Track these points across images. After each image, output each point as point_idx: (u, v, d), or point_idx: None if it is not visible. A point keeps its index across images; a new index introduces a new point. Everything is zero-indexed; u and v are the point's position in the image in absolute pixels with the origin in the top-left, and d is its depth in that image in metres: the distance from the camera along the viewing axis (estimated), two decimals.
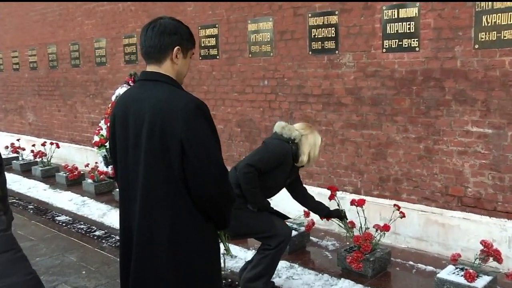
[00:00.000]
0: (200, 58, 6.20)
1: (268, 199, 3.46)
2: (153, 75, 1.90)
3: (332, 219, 3.84)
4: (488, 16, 3.77)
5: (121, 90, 6.96)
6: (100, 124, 7.09)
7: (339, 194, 4.83)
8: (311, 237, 4.61)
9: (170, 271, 1.84)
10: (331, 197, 3.92)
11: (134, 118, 1.85)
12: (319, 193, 5.03)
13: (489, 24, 3.78)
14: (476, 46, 3.88)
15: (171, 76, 1.91)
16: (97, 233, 5.12)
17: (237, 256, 4.26)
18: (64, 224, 5.45)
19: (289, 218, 3.62)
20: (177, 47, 1.90)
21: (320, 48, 4.93)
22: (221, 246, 2.25)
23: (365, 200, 3.95)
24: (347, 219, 3.83)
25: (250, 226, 3.31)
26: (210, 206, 1.86)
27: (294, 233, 4.27)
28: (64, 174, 7.23)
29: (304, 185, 3.79)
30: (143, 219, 1.85)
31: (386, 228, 3.78)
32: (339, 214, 3.78)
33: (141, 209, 1.85)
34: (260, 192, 3.28)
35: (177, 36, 1.90)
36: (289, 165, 3.39)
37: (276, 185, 3.45)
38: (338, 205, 3.83)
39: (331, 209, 3.77)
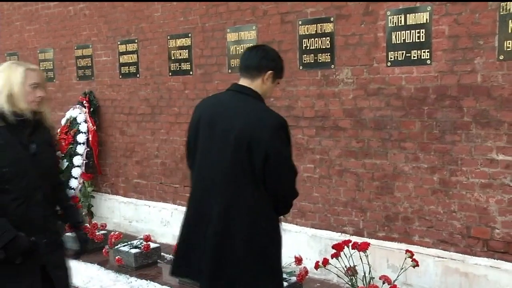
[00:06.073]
0: (170, 74, 6.16)
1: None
2: (246, 89, 2.70)
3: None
4: None
5: (74, 112, 6.83)
6: None
7: (336, 236, 4.74)
8: None
9: (247, 253, 2.59)
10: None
11: (224, 123, 2.61)
12: (313, 236, 4.90)
13: None
14: (501, 57, 3.88)
15: (259, 92, 2.70)
16: None
17: None
18: None
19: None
20: (271, 71, 2.71)
21: (312, 61, 4.94)
22: None
23: (369, 243, 3.94)
24: (82, 251, 3.05)
25: None
26: (283, 201, 2.72)
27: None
28: None
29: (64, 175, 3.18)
30: (226, 210, 2.59)
31: None
32: (82, 240, 3.03)
33: (224, 201, 2.60)
34: None
35: (274, 63, 2.75)
36: None
37: (12, 170, 2.60)
38: None
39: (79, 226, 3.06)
